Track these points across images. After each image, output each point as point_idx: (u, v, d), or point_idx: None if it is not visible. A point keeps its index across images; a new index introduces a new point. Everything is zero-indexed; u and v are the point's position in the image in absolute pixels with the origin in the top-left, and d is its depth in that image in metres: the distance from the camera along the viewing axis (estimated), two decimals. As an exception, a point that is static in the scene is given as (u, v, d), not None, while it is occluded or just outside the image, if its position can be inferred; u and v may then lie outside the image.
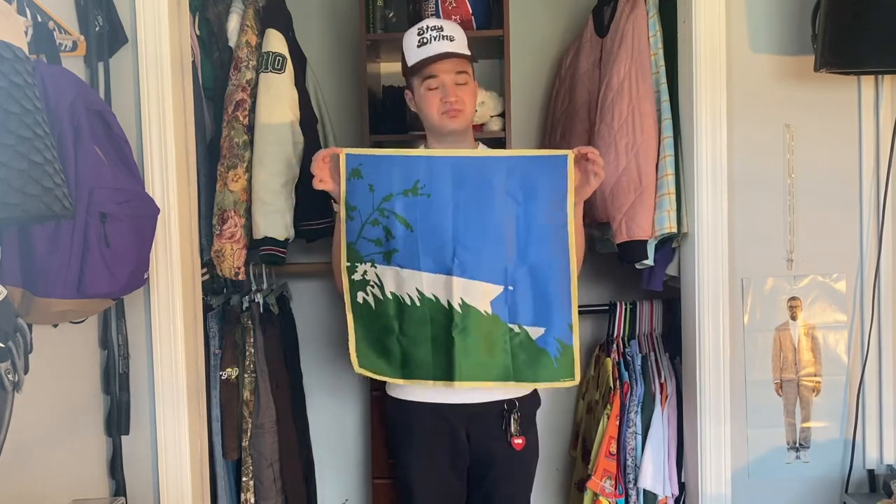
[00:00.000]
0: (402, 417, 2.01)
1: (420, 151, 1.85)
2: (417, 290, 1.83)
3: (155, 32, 1.91)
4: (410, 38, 1.90)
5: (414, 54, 1.88)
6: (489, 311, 1.82)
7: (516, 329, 1.84)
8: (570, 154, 1.76)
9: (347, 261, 1.85)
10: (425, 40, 1.87)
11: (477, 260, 1.80)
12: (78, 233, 1.47)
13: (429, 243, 1.80)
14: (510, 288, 1.81)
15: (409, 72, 1.91)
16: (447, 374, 1.85)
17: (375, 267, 1.84)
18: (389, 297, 1.85)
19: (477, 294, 1.82)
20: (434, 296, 1.83)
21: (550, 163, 1.78)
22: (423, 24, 1.90)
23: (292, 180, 2.29)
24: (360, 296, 1.87)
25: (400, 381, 1.92)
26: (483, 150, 1.90)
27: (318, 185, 1.80)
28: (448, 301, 1.82)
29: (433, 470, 2.00)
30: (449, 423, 1.96)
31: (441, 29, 1.87)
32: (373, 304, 1.87)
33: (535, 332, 1.84)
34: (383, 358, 1.90)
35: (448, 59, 1.85)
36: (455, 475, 2.01)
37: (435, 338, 1.85)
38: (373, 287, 1.86)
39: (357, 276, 1.86)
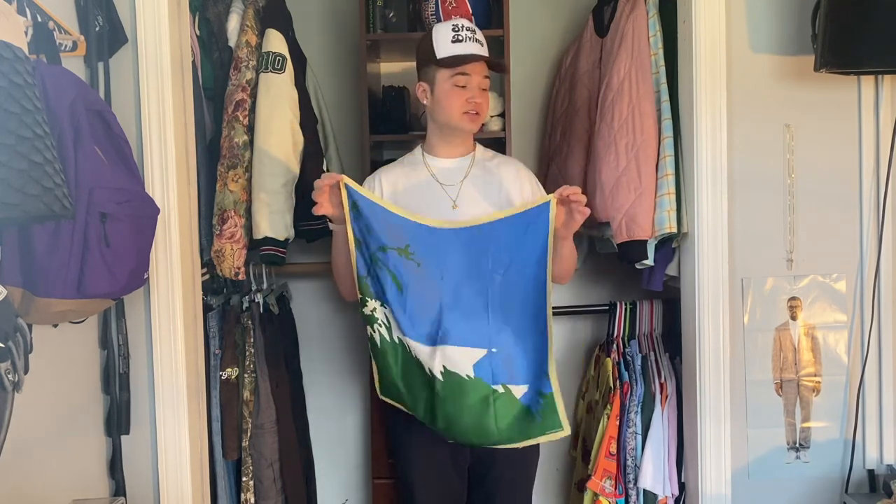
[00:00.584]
0: (403, 417, 2.01)
1: (406, 214, 1.79)
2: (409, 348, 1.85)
3: (155, 32, 1.91)
4: (444, 31, 1.88)
5: (447, 48, 1.86)
6: (472, 374, 1.79)
7: (500, 389, 1.80)
8: (553, 199, 1.73)
9: (360, 293, 1.85)
10: (461, 38, 1.86)
11: (462, 327, 1.78)
12: (78, 233, 1.47)
13: (417, 313, 1.79)
14: (493, 350, 1.79)
15: (439, 63, 1.87)
16: (444, 431, 1.87)
17: (385, 307, 1.83)
18: (396, 342, 1.85)
19: (460, 359, 1.79)
20: (418, 360, 1.83)
21: (533, 214, 1.75)
22: (458, 21, 1.90)
23: (292, 180, 2.29)
24: (369, 330, 1.88)
25: (419, 418, 1.90)
26: (467, 221, 1.82)
27: (317, 210, 1.79)
28: (430, 369, 1.81)
29: (434, 469, 2.00)
30: None
31: (475, 32, 1.89)
32: (379, 343, 1.88)
33: (519, 391, 1.81)
34: (397, 389, 1.91)
35: (482, 62, 1.87)
36: (456, 475, 2.01)
37: (428, 391, 1.84)
38: (380, 326, 1.85)
39: (367, 311, 1.86)
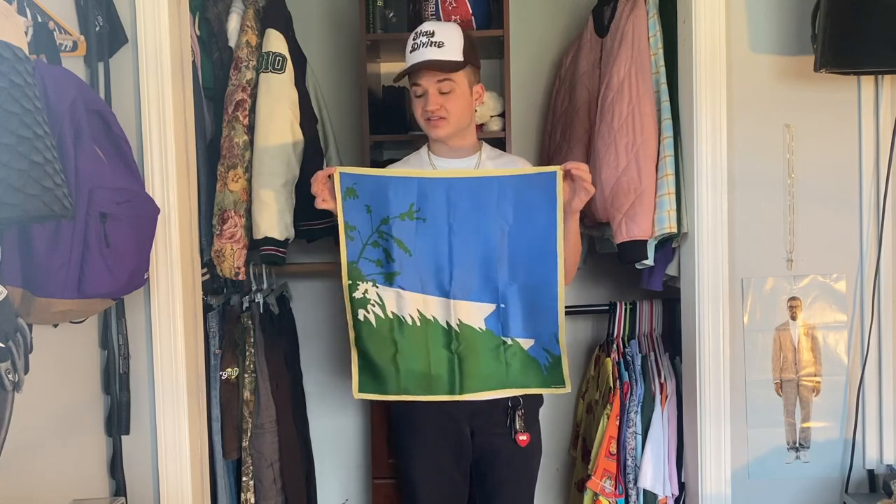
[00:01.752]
0: (406, 414, 2.02)
1: (412, 172, 1.87)
2: (419, 311, 1.88)
3: (155, 32, 1.91)
4: (408, 42, 1.92)
5: (407, 59, 1.91)
6: (483, 327, 1.89)
7: (509, 341, 1.90)
8: (559, 170, 1.79)
9: (349, 279, 1.88)
10: (416, 46, 1.88)
11: (472, 281, 1.86)
12: (78, 233, 1.47)
13: (428, 267, 1.86)
14: (502, 306, 1.88)
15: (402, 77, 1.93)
16: (449, 388, 1.91)
17: (377, 287, 1.87)
18: (391, 315, 1.89)
19: (472, 313, 1.88)
20: (433, 317, 1.89)
21: (539, 180, 1.81)
22: (419, 29, 1.90)
23: (292, 180, 2.29)
24: (361, 313, 1.90)
25: (401, 398, 1.94)
26: (474, 171, 1.91)
27: (320, 204, 1.82)
28: (447, 321, 1.88)
29: (436, 466, 2.00)
30: (453, 419, 1.97)
31: (432, 34, 1.86)
32: (374, 322, 1.90)
33: (526, 344, 1.91)
34: (383, 377, 1.93)
35: (430, 67, 1.85)
36: (458, 472, 2.02)
37: (435, 356, 1.90)
38: (373, 306, 1.89)
39: (358, 294, 1.88)
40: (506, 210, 1.82)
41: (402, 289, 1.86)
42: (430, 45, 1.86)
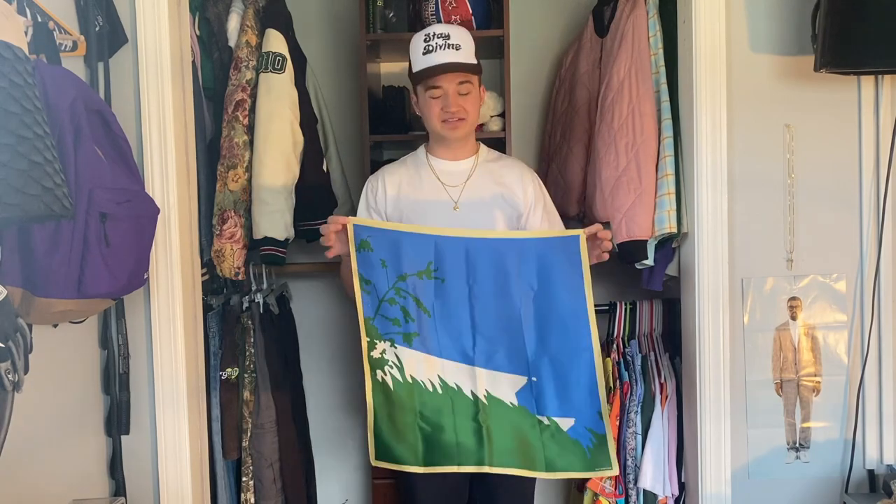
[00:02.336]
0: None
1: (427, 230, 1.78)
2: (440, 377, 1.80)
3: (155, 32, 1.90)
4: (417, 43, 1.89)
5: (419, 62, 1.88)
6: (515, 402, 1.79)
7: (545, 421, 1.80)
8: (582, 234, 1.72)
9: (367, 336, 1.82)
10: (430, 48, 1.86)
11: (498, 350, 1.78)
12: (78, 233, 1.47)
13: (449, 331, 1.77)
14: (534, 379, 1.78)
15: (413, 79, 1.91)
16: (478, 459, 1.83)
17: (395, 347, 1.80)
18: (409, 380, 1.81)
19: (501, 385, 1.79)
20: (457, 385, 1.80)
21: (562, 245, 1.74)
22: (431, 30, 1.89)
23: (292, 180, 2.29)
24: (379, 374, 1.84)
25: (420, 470, 1.87)
26: (493, 232, 1.84)
27: (330, 254, 1.79)
28: (472, 392, 1.79)
29: None
30: None
31: (448, 37, 1.86)
32: (391, 386, 1.83)
33: (566, 424, 1.80)
34: (403, 444, 1.86)
35: (452, 70, 1.85)
36: (457, 472, 2.01)
37: (461, 426, 1.82)
38: (391, 367, 1.82)
39: (376, 354, 1.82)
40: (529, 274, 1.74)
41: (421, 351, 1.78)
42: (448, 48, 1.85)
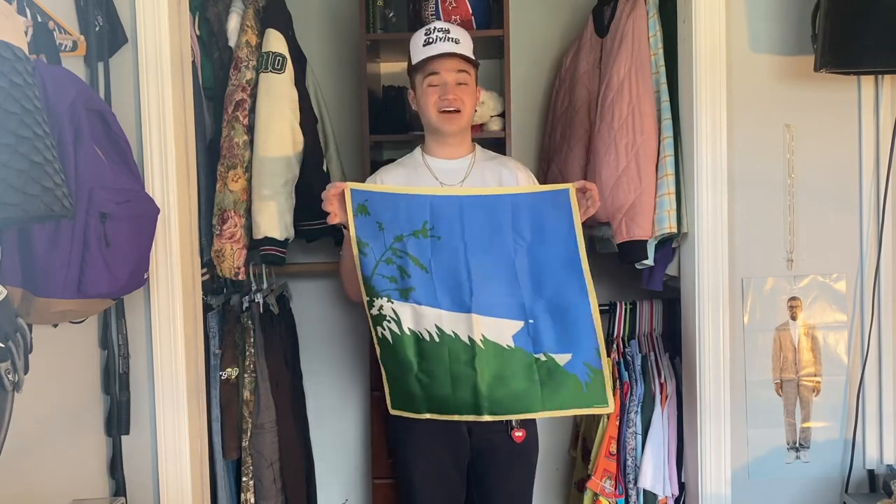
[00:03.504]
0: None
1: (424, 190, 1.84)
2: (437, 326, 1.83)
3: (155, 32, 1.90)
4: (417, 37, 1.93)
5: (419, 52, 1.91)
6: (512, 344, 1.82)
7: (542, 357, 1.83)
8: (571, 187, 1.77)
9: (366, 295, 1.85)
10: (431, 40, 1.90)
11: (494, 298, 1.81)
12: (78, 233, 1.47)
13: (446, 283, 1.81)
14: (531, 321, 1.81)
15: (413, 69, 1.93)
16: (475, 409, 1.86)
17: (392, 302, 1.83)
18: (407, 332, 1.84)
19: (498, 329, 1.82)
20: (454, 332, 1.83)
21: (552, 198, 1.78)
22: (432, 25, 1.94)
23: (292, 180, 2.29)
24: (380, 330, 1.88)
25: (432, 417, 1.90)
26: (486, 189, 1.88)
27: (331, 220, 1.81)
28: (469, 336, 1.82)
29: (434, 465, 2.00)
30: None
31: (447, 31, 1.90)
32: (390, 340, 1.87)
33: (563, 359, 1.82)
34: (410, 395, 1.90)
35: (451, 58, 1.88)
36: (456, 471, 2.02)
37: (456, 374, 1.84)
38: (389, 322, 1.85)
39: (375, 311, 1.86)
40: (521, 228, 1.78)
41: (419, 304, 1.82)
42: (448, 41, 1.89)
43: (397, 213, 1.79)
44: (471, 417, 1.87)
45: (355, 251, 1.82)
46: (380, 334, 1.88)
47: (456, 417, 1.89)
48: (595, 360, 1.82)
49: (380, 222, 1.80)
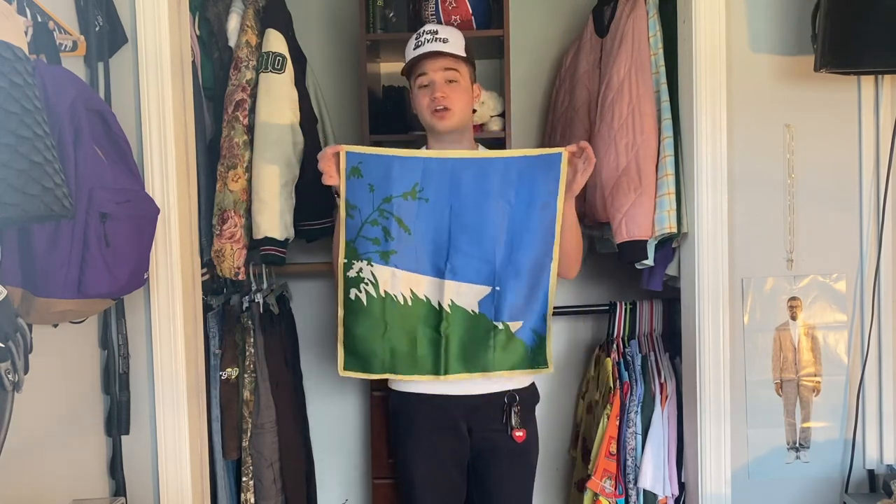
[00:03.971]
0: (404, 409, 2.03)
1: (418, 152, 1.89)
2: (411, 290, 1.89)
3: (155, 32, 1.91)
4: (410, 43, 1.98)
5: (409, 55, 1.96)
6: (476, 310, 1.90)
7: (500, 326, 1.91)
8: (564, 151, 1.82)
9: (345, 258, 1.89)
10: (420, 43, 1.94)
11: (468, 263, 1.88)
12: (78, 233, 1.47)
13: (425, 247, 1.87)
14: (497, 288, 1.89)
15: (407, 73, 1.98)
16: (434, 368, 1.92)
17: (372, 265, 1.89)
18: (383, 295, 1.90)
19: (466, 295, 1.90)
20: (426, 297, 1.90)
21: (544, 161, 1.83)
22: (422, 28, 1.97)
23: (292, 180, 2.29)
24: (353, 292, 1.91)
25: (386, 377, 1.97)
26: (479, 152, 1.95)
27: (326, 180, 1.84)
28: (438, 302, 1.89)
29: (435, 464, 2.00)
30: (450, 415, 1.98)
31: (436, 33, 1.94)
32: (364, 301, 1.91)
33: (515, 326, 1.92)
34: (369, 356, 1.94)
35: (438, 57, 1.90)
36: (456, 470, 2.02)
37: (422, 336, 1.91)
38: (366, 284, 1.90)
39: (352, 273, 1.90)
40: (508, 192, 1.84)
41: (397, 267, 1.88)
42: (435, 41, 1.92)
43: (389, 175, 1.83)
44: (429, 377, 1.93)
45: (342, 215, 1.85)
46: (353, 296, 1.91)
47: (414, 377, 1.94)
48: (541, 325, 1.92)
49: (371, 184, 1.84)
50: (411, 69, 1.95)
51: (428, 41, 1.92)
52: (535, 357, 1.94)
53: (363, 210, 1.85)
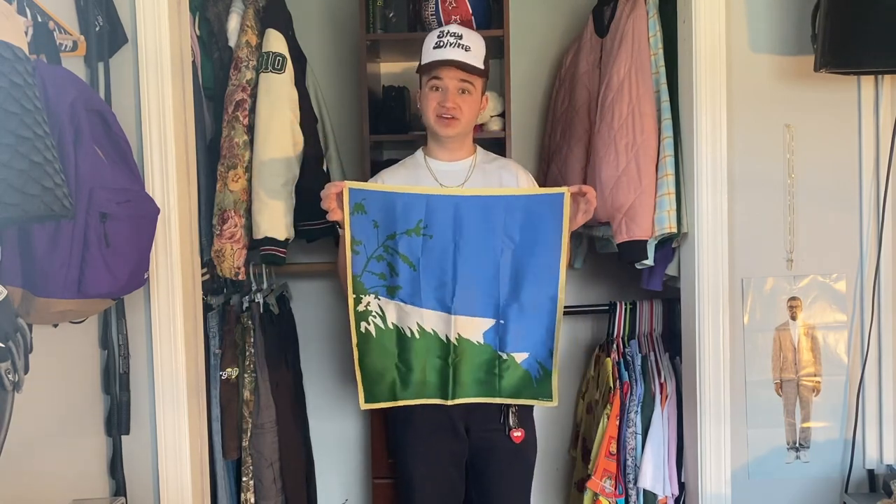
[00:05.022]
0: (402, 412, 2.02)
1: (421, 189, 1.90)
2: (418, 324, 1.92)
3: (155, 32, 1.91)
4: (430, 39, 1.94)
5: (427, 54, 1.92)
6: (481, 341, 1.93)
7: (504, 356, 1.94)
8: (566, 192, 1.84)
9: (353, 293, 1.90)
10: (441, 44, 1.90)
11: (473, 298, 1.90)
12: (78, 233, 1.47)
13: (431, 283, 1.89)
14: (501, 322, 1.92)
15: (420, 70, 1.94)
16: (441, 394, 1.94)
17: (379, 299, 1.91)
18: (391, 327, 1.93)
19: (471, 328, 1.92)
20: (433, 330, 1.92)
21: (547, 201, 1.85)
22: (447, 28, 1.94)
23: (292, 180, 2.29)
24: (363, 325, 1.93)
25: (397, 404, 1.97)
26: (483, 189, 1.93)
27: (331, 217, 1.85)
28: (446, 335, 1.92)
29: (433, 462, 2.01)
30: (448, 416, 1.98)
31: (460, 37, 1.91)
32: (374, 333, 1.93)
33: (520, 357, 1.94)
34: (382, 386, 1.96)
35: (458, 66, 1.88)
36: (455, 469, 2.02)
37: (430, 366, 1.94)
38: (374, 317, 1.93)
39: (361, 307, 1.92)
40: (512, 229, 1.86)
41: (404, 302, 1.90)
42: (458, 47, 1.89)
43: (393, 212, 1.85)
44: (437, 401, 1.95)
45: (348, 251, 1.86)
46: (363, 329, 1.93)
47: (422, 401, 1.96)
48: (548, 360, 1.94)
49: (375, 221, 1.85)
50: (426, 69, 1.91)
51: (451, 45, 1.89)
52: (540, 389, 1.96)
53: (368, 246, 1.87)
